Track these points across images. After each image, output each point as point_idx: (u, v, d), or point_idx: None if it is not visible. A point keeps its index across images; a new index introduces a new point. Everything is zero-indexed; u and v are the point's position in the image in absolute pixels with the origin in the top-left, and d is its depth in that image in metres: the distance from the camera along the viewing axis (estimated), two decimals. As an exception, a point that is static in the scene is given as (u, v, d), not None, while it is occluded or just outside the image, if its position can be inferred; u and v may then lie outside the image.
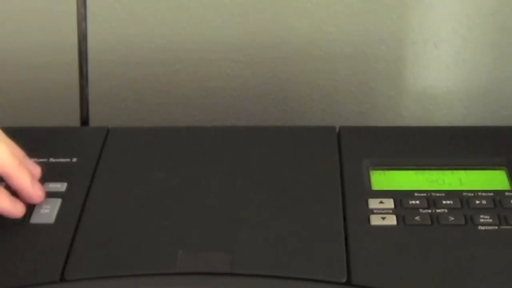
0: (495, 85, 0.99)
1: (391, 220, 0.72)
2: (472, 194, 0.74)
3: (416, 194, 0.74)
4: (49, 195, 0.75)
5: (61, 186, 0.76)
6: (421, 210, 0.73)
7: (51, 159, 0.80)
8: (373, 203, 0.74)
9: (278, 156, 0.80)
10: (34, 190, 0.73)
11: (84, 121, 0.90)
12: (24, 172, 0.73)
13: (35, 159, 0.79)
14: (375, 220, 0.72)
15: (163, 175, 0.78)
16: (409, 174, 0.78)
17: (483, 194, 0.74)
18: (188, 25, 0.97)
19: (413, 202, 0.74)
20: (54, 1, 0.96)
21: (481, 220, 0.71)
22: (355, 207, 0.74)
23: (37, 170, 0.76)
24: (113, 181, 0.78)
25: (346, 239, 0.70)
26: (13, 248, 0.70)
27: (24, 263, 0.68)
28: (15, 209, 0.72)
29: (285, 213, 0.73)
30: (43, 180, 0.77)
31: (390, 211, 0.73)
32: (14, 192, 0.75)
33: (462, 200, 0.74)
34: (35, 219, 0.73)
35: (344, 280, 0.66)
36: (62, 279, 0.67)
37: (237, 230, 0.71)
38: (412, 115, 1.01)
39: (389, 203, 0.74)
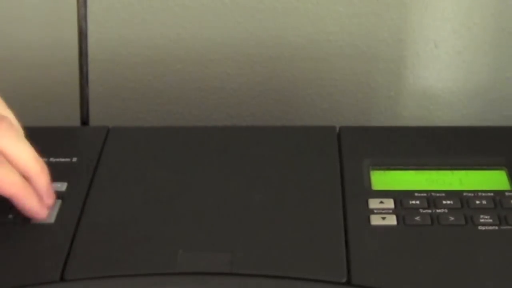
0: (495, 85, 0.99)
1: (391, 220, 0.72)
2: (472, 194, 0.74)
3: (416, 194, 0.74)
4: (49, 194, 0.75)
5: (61, 186, 0.76)
6: (421, 210, 0.73)
7: (51, 159, 0.80)
8: (373, 203, 0.74)
9: (278, 156, 0.80)
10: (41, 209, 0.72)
11: (84, 120, 0.90)
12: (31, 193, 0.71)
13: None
14: (375, 220, 0.72)
15: (163, 174, 0.78)
16: (409, 174, 0.78)
17: (483, 194, 0.74)
18: (188, 25, 0.97)
19: (413, 202, 0.74)
20: (54, 1, 0.96)
21: (481, 220, 0.71)
22: (355, 207, 0.74)
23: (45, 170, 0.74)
24: (113, 181, 0.78)
25: (346, 239, 0.70)
26: (13, 247, 0.70)
27: (24, 262, 0.68)
28: (41, 211, 0.72)
29: (285, 213, 0.73)
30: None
31: (390, 211, 0.73)
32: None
33: (462, 200, 0.74)
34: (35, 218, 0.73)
35: (344, 280, 0.66)
36: (62, 279, 0.67)
37: (237, 230, 0.71)
38: (412, 115, 1.01)
39: (389, 203, 0.74)
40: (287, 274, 0.66)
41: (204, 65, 0.99)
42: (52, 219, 0.73)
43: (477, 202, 0.73)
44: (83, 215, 0.73)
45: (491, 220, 0.71)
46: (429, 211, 0.73)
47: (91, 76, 0.91)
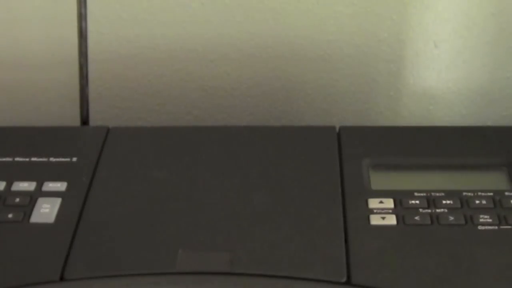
0: (495, 85, 0.99)
1: (391, 220, 0.72)
2: (472, 194, 0.74)
3: (416, 194, 0.74)
4: (49, 194, 0.75)
5: (61, 186, 0.76)
6: (421, 210, 0.73)
7: (51, 159, 0.80)
8: (373, 203, 0.74)
9: (278, 156, 0.80)
10: None
11: (84, 120, 0.90)
12: None
13: (35, 159, 0.80)
14: (375, 220, 0.72)
15: (163, 174, 0.78)
16: (409, 174, 0.78)
17: (483, 194, 0.74)
18: (188, 25, 0.97)
19: (413, 202, 0.74)
20: (54, 1, 0.96)
21: (481, 220, 0.71)
22: (355, 207, 0.74)
23: None
24: (113, 180, 0.78)
25: (346, 239, 0.70)
26: (13, 247, 0.70)
27: (24, 262, 0.68)
28: None
29: (285, 213, 0.73)
30: (43, 179, 0.77)
31: (390, 211, 0.73)
32: (12, 193, 0.75)
33: (462, 200, 0.74)
34: (35, 218, 0.73)
35: (344, 280, 0.66)
36: (62, 279, 0.67)
37: (237, 230, 0.71)
38: (412, 115, 1.01)
39: (389, 203, 0.74)
40: (287, 274, 0.66)
41: (204, 65, 0.99)
42: (52, 219, 0.73)
43: (477, 202, 0.73)
44: (83, 214, 0.73)
45: (490, 220, 0.71)
46: (429, 211, 0.73)
47: (91, 76, 0.91)
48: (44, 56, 0.98)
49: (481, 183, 0.76)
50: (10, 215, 0.73)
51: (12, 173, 0.78)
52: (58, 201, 0.75)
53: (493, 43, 0.97)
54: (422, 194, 0.74)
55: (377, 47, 0.97)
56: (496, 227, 0.71)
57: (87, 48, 0.88)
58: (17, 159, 0.80)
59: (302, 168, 0.79)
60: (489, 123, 1.00)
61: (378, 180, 0.77)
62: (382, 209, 0.73)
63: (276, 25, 0.97)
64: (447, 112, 1.00)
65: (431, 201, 0.74)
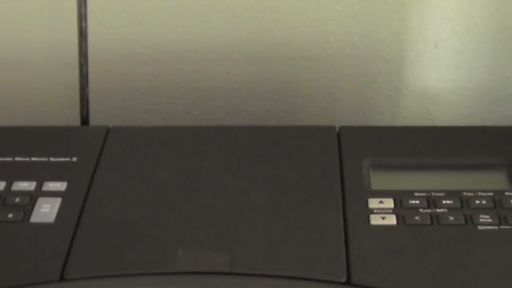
0: (495, 85, 0.99)
1: (391, 220, 0.72)
2: (472, 194, 0.74)
3: (416, 194, 0.74)
4: (49, 194, 0.75)
5: (61, 185, 0.76)
6: (421, 210, 0.73)
7: (51, 159, 0.80)
8: (373, 203, 0.74)
9: (278, 155, 0.80)
10: None
11: (84, 120, 0.90)
12: None
13: (35, 159, 0.80)
14: (375, 220, 0.72)
15: (163, 174, 0.78)
16: (409, 174, 0.78)
17: (483, 194, 0.74)
18: (188, 25, 0.97)
19: (413, 202, 0.74)
20: (54, 1, 0.96)
21: (481, 220, 0.71)
22: (355, 207, 0.74)
23: None
24: (113, 180, 0.78)
25: (346, 239, 0.70)
26: (13, 247, 0.70)
27: (24, 262, 0.68)
28: None
29: (285, 213, 0.73)
30: (43, 179, 0.77)
31: (390, 211, 0.73)
32: (12, 193, 0.75)
33: (462, 200, 0.74)
34: (35, 218, 0.73)
35: (344, 280, 0.66)
36: (62, 279, 0.67)
37: (237, 230, 0.71)
38: (412, 115, 1.01)
39: (389, 203, 0.74)
40: (287, 274, 0.66)
41: (204, 65, 0.99)
42: (52, 219, 0.73)
43: (477, 202, 0.73)
44: (83, 214, 0.73)
45: (490, 220, 0.71)
46: (429, 211, 0.73)
47: (91, 76, 0.91)
48: (44, 56, 0.98)
49: (481, 183, 0.76)
50: (10, 215, 0.73)
51: (12, 173, 0.78)
52: (58, 201, 0.75)
53: (493, 43, 0.97)
54: (422, 194, 0.74)
55: (377, 47, 0.97)
56: (496, 227, 0.71)
57: (87, 48, 0.88)
58: (17, 159, 0.80)
59: (302, 168, 0.79)
60: (489, 123, 1.00)
61: (378, 180, 0.77)
62: (382, 209, 0.73)
63: (276, 25, 0.97)
64: (447, 112, 1.00)
65: (431, 201, 0.74)
